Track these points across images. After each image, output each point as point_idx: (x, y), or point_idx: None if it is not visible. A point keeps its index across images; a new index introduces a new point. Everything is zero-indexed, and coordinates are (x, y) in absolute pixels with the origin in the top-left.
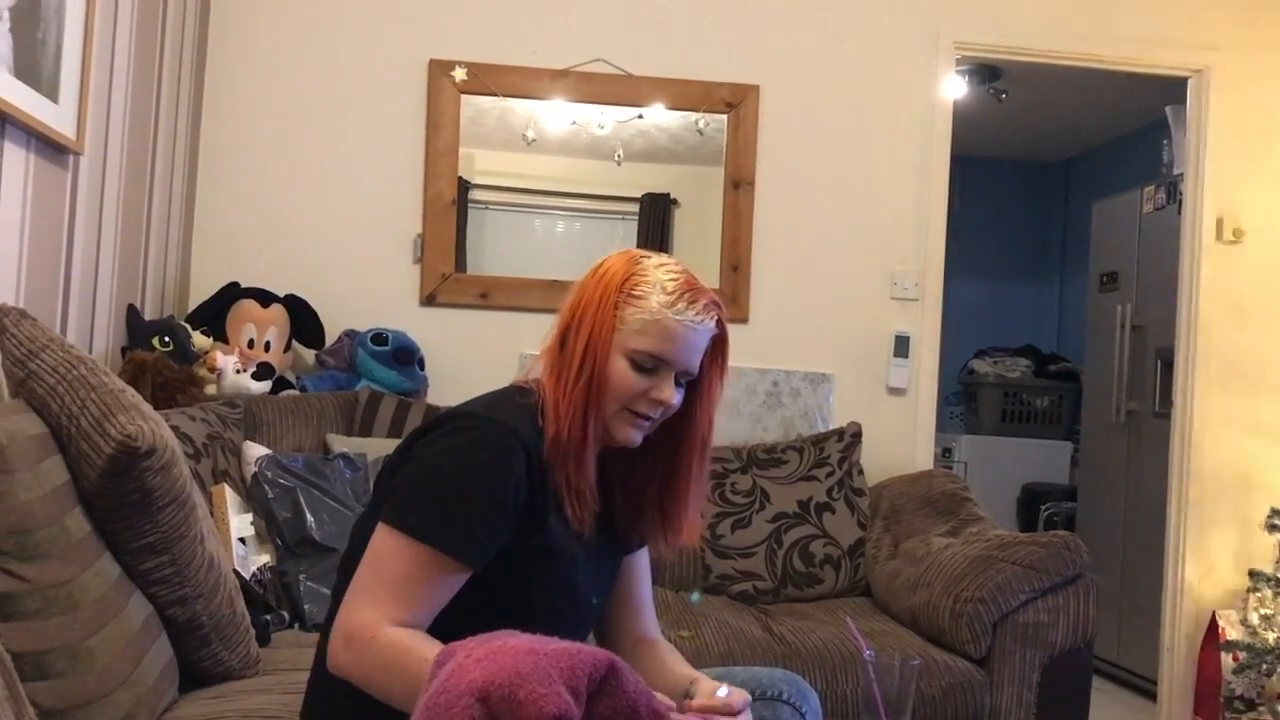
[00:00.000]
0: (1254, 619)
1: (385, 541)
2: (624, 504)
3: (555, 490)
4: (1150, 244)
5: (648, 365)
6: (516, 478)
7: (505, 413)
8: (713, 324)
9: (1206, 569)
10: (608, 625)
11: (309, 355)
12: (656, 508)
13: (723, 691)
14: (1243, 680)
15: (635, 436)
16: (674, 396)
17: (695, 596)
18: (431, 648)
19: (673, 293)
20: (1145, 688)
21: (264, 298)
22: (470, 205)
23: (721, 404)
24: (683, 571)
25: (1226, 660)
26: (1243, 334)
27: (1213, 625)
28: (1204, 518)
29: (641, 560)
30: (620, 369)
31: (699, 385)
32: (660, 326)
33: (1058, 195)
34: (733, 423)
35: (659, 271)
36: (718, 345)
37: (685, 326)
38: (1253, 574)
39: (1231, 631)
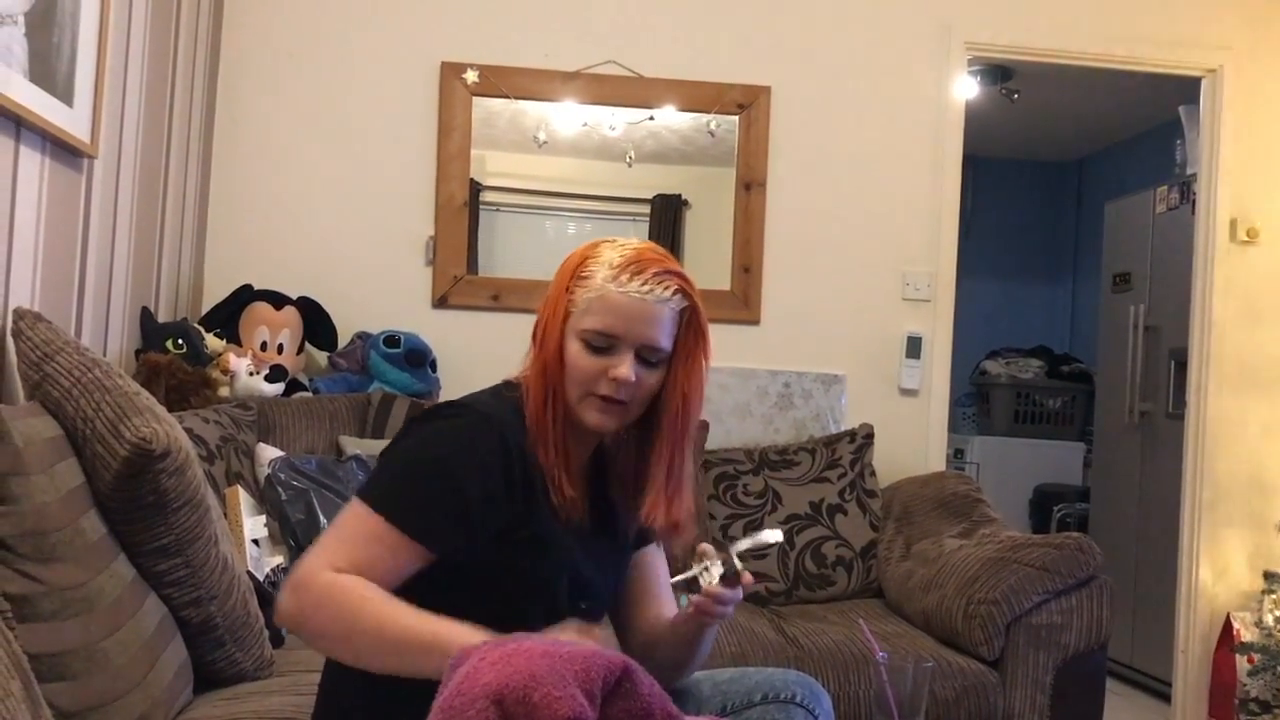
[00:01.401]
0: (1269, 620)
1: (348, 509)
2: (622, 500)
3: (543, 480)
4: (1163, 245)
5: (600, 344)
6: (485, 466)
7: (487, 405)
8: (667, 294)
9: (1221, 570)
10: (627, 622)
11: (321, 357)
12: (648, 493)
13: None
14: (1258, 682)
15: (605, 421)
16: (632, 374)
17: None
18: (370, 589)
19: (617, 266)
20: (1160, 690)
21: (277, 300)
22: (482, 207)
23: (733, 405)
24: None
25: (1241, 662)
26: (1256, 335)
27: (1227, 627)
28: (1218, 519)
29: (653, 556)
30: (573, 351)
31: (675, 362)
32: (604, 302)
33: (1070, 196)
34: (744, 424)
35: (610, 251)
36: (691, 319)
37: (630, 298)
38: (1267, 575)
39: (1246, 633)
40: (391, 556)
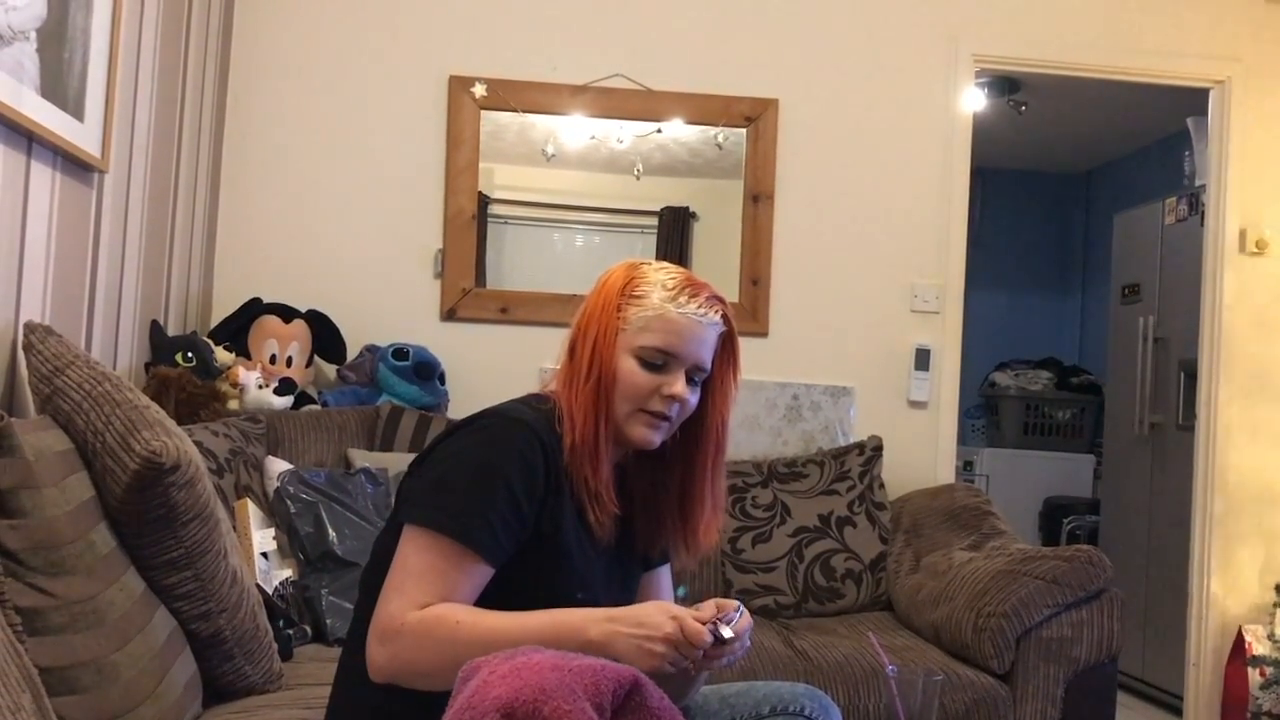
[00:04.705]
0: None
1: (408, 540)
2: (643, 517)
3: (575, 496)
4: (1172, 256)
5: (656, 362)
6: (533, 471)
7: (521, 412)
8: (718, 318)
9: (1232, 583)
10: None
11: (330, 370)
12: (676, 514)
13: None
14: (1270, 696)
15: (653, 437)
16: (686, 391)
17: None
18: (457, 610)
19: (673, 288)
20: (1171, 703)
21: (286, 313)
22: (490, 220)
23: (742, 417)
24: (703, 585)
25: (1253, 675)
26: (1266, 345)
27: (1239, 640)
28: (1229, 531)
29: (663, 577)
30: (628, 368)
31: (711, 385)
32: (664, 321)
33: (1079, 207)
34: (753, 436)
35: (658, 273)
36: (727, 343)
37: (689, 319)
38: (1279, 588)
39: (1258, 646)
40: (468, 579)
